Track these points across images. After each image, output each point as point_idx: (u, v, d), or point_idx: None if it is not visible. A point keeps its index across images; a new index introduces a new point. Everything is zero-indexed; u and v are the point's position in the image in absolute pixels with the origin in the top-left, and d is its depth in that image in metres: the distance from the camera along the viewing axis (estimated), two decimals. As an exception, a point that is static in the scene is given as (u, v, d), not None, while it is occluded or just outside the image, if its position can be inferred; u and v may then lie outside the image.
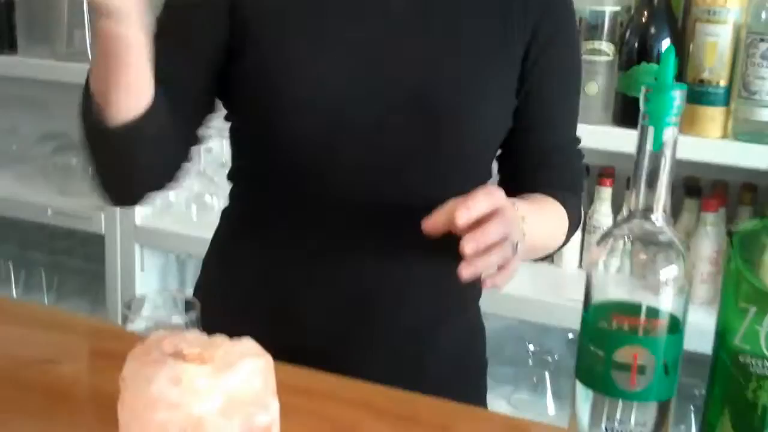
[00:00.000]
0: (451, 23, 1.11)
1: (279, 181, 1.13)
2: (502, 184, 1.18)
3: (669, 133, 0.76)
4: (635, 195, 0.78)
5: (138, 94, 1.02)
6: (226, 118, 1.18)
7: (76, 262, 2.24)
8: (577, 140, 1.23)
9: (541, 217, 1.10)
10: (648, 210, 0.77)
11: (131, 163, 1.08)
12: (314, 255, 1.12)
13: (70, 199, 2.05)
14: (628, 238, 0.78)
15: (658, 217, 0.77)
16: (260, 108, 1.10)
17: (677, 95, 0.75)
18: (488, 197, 0.92)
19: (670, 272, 0.75)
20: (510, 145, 1.17)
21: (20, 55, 2.11)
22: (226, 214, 1.23)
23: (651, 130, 0.77)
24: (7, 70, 2.11)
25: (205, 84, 1.13)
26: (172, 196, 2.03)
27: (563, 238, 1.19)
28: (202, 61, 1.12)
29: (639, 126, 0.77)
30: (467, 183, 1.00)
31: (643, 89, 0.76)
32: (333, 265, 1.11)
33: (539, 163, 1.18)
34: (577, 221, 1.22)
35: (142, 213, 2.01)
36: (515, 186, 1.15)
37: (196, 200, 2.00)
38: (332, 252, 1.11)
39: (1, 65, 2.10)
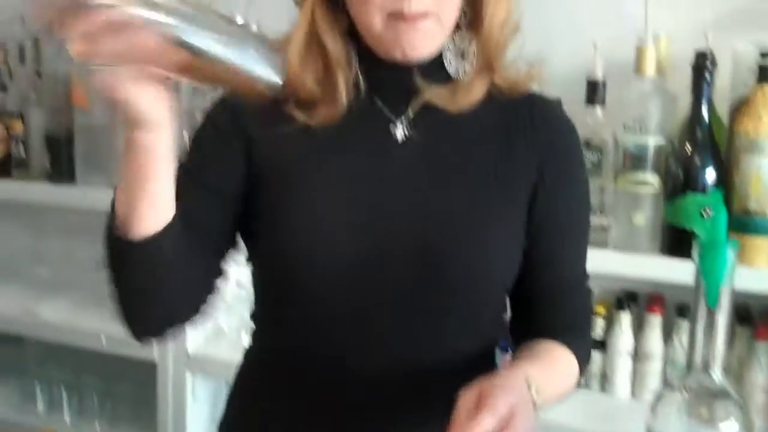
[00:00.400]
0: (457, 169, 1.14)
1: (286, 331, 1.17)
2: (512, 320, 1.22)
3: (724, 291, 0.77)
4: (692, 350, 0.79)
5: (163, 207, 1.02)
6: (248, 260, 1.21)
7: (129, 389, 2.26)
8: (586, 276, 1.24)
9: (550, 376, 1.10)
10: (706, 365, 0.78)
11: (152, 282, 1.07)
12: (327, 406, 1.14)
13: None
14: (687, 393, 0.78)
15: (716, 372, 0.78)
16: (267, 257, 1.15)
17: (731, 253, 0.77)
18: (493, 413, 0.92)
19: (730, 428, 0.76)
20: (516, 283, 1.18)
21: (78, 185, 2.18)
22: (247, 353, 1.26)
23: (705, 287, 0.78)
24: (65, 200, 2.17)
25: (225, 223, 1.17)
26: (224, 323, 2.06)
27: (574, 382, 1.20)
28: (221, 203, 1.16)
29: (694, 280, 0.79)
30: (479, 333, 1.10)
31: (696, 246, 0.78)
32: (348, 419, 1.13)
33: (544, 301, 1.19)
34: (585, 358, 1.22)
35: (193, 340, 2.03)
36: (522, 322, 1.19)
37: (247, 328, 2.03)
38: (343, 408, 1.13)
39: (60, 195, 2.17)
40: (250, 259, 1.20)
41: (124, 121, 0.94)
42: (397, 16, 1.08)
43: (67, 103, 2.12)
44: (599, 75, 1.65)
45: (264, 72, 0.96)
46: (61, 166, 2.17)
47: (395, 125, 1.15)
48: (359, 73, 1.16)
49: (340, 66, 1.14)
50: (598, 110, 1.66)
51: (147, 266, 1.05)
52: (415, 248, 1.10)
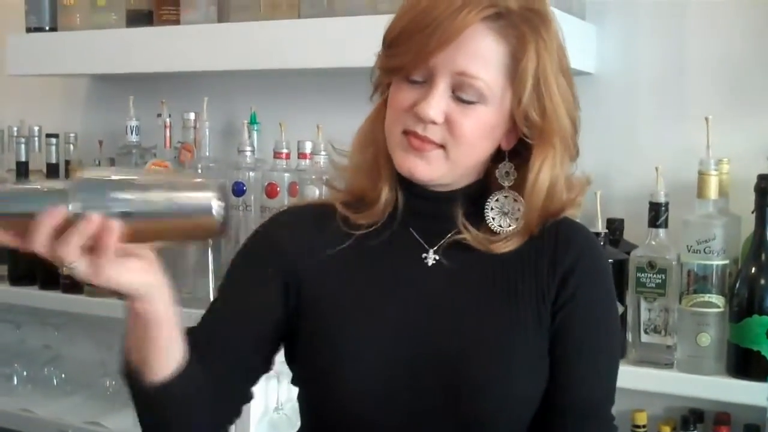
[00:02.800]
0: (484, 295, 1.19)
1: None
2: None
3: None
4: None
5: (168, 360, 1.10)
6: (292, 382, 1.28)
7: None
8: (608, 402, 1.22)
9: None
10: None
11: (162, 419, 1.15)
12: None
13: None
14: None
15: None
16: (308, 381, 1.23)
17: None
18: None
19: None
20: None
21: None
22: None
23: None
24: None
25: (253, 353, 1.24)
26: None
27: None
28: (252, 335, 1.23)
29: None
30: None
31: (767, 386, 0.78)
32: None
33: (559, 426, 1.19)
34: None
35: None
36: None
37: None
38: None
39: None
40: (294, 382, 1.27)
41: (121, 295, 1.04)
42: (410, 136, 1.16)
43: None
44: (662, 197, 1.68)
45: (198, 212, 1.02)
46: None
47: (428, 253, 1.22)
48: (399, 198, 1.23)
49: (386, 170, 1.22)
50: (662, 232, 1.68)
51: (158, 406, 1.13)
52: (444, 372, 1.15)
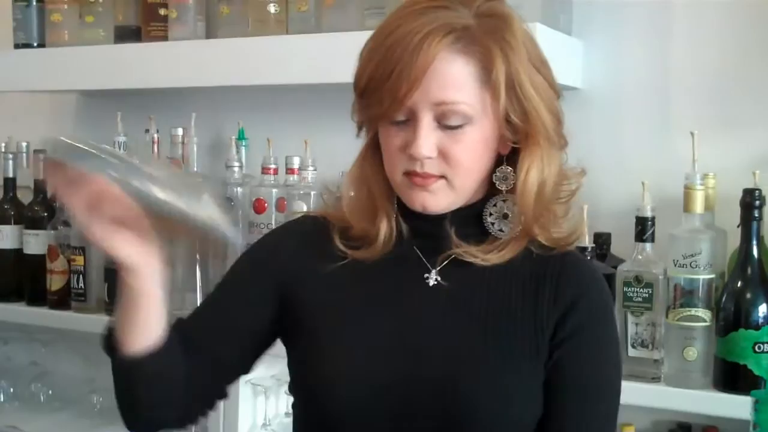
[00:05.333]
0: (483, 318, 1.19)
1: None
2: None
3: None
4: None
5: (147, 334, 1.17)
6: (289, 389, 1.31)
7: None
8: None
9: None
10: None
11: (131, 392, 1.21)
12: None
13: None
14: None
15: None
16: (302, 389, 1.25)
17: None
18: None
19: None
20: None
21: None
22: None
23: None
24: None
25: (233, 349, 1.28)
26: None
27: None
28: (236, 334, 1.28)
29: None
30: None
31: (752, 400, 0.79)
32: None
33: None
34: None
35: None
36: None
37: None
38: None
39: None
40: (291, 389, 1.28)
41: (118, 265, 1.13)
42: (411, 175, 1.17)
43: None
44: (648, 212, 1.68)
45: (216, 226, 1.11)
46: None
47: (429, 273, 1.22)
48: (401, 220, 1.24)
49: (383, 209, 1.23)
50: (648, 246, 1.69)
51: (127, 378, 1.20)
52: (436, 395, 1.15)
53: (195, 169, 2.19)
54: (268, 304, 1.27)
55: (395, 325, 1.20)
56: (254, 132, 2.18)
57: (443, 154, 1.16)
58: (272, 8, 2.01)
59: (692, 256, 1.63)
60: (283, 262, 1.27)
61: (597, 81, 1.90)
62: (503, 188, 1.21)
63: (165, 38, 2.13)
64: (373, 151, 1.24)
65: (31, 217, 2.31)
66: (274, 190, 2.04)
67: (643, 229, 1.69)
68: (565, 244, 1.22)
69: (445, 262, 1.22)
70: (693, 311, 1.64)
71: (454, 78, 1.14)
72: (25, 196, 2.36)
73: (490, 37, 1.14)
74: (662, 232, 1.69)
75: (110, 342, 1.20)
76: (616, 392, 1.23)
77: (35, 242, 2.30)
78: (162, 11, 2.14)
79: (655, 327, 1.67)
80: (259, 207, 2.03)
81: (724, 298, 1.64)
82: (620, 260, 1.75)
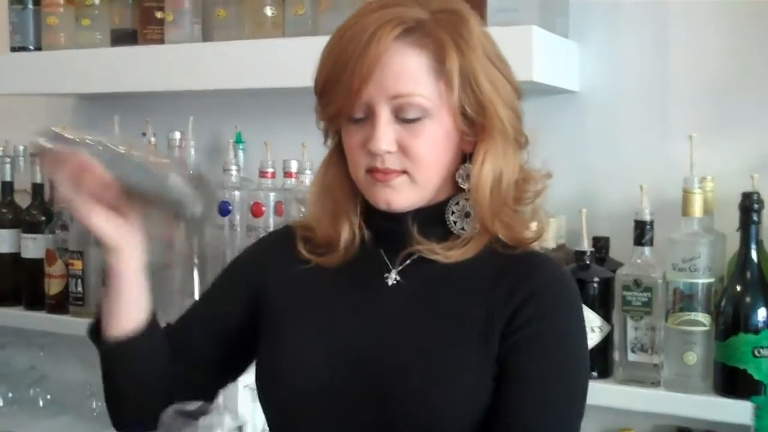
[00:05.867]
0: (435, 316, 1.18)
1: None
2: None
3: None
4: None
5: (127, 318, 1.23)
6: None
7: None
8: None
9: None
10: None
11: (113, 378, 1.27)
12: None
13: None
14: None
15: None
16: (258, 382, 1.26)
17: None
18: None
19: None
20: None
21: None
22: None
23: None
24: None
25: (215, 350, 1.32)
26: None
27: None
28: (215, 332, 1.31)
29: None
30: None
31: (753, 407, 0.78)
32: None
33: None
34: None
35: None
36: None
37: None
38: None
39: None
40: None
41: (99, 244, 1.21)
42: (373, 172, 1.17)
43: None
44: (647, 216, 1.68)
45: (182, 200, 1.19)
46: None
47: (390, 273, 1.23)
48: (363, 222, 1.25)
49: (345, 215, 1.25)
50: (647, 250, 1.68)
51: (110, 362, 1.26)
52: (380, 387, 1.16)
53: (191, 172, 2.18)
54: (244, 311, 1.31)
55: (349, 325, 1.21)
56: (252, 135, 2.18)
57: (403, 149, 1.16)
58: (269, 11, 2.00)
59: (691, 260, 1.62)
60: (256, 272, 1.31)
61: (594, 84, 1.90)
62: (466, 186, 1.21)
63: (161, 41, 2.13)
64: (338, 156, 1.25)
65: (29, 221, 2.31)
66: (272, 194, 2.03)
67: (641, 232, 1.68)
68: (527, 243, 1.21)
69: (408, 262, 1.22)
70: (692, 315, 1.63)
71: (408, 70, 1.14)
72: (23, 200, 2.36)
73: (443, 30, 1.15)
74: (661, 236, 1.68)
75: (96, 330, 1.27)
76: (573, 392, 1.19)
77: (33, 246, 2.30)
78: (158, 14, 2.14)
79: (655, 331, 1.66)
80: (256, 211, 2.02)
81: (723, 302, 1.63)
82: (619, 264, 1.74)
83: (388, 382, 1.15)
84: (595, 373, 1.69)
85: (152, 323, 1.26)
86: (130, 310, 1.23)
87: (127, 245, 1.21)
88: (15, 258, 2.33)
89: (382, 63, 1.13)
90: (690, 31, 1.83)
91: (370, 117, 1.16)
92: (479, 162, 1.18)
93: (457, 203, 1.22)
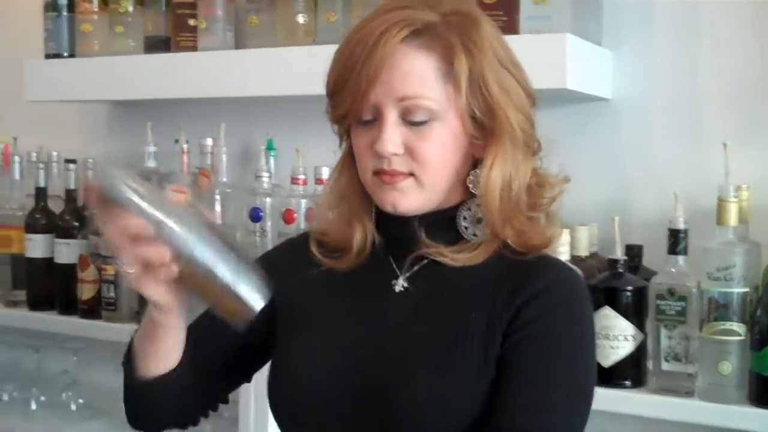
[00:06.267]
0: (439, 321, 1.17)
1: None
2: None
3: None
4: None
5: (163, 363, 1.22)
6: None
7: None
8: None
9: None
10: None
11: (139, 407, 1.28)
12: None
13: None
14: None
15: None
16: (268, 394, 1.26)
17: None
18: None
19: None
20: None
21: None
22: None
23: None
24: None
25: (226, 355, 1.31)
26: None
27: None
28: (228, 338, 1.27)
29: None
30: None
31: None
32: None
33: None
34: None
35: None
36: None
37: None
38: None
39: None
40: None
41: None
42: (380, 174, 1.17)
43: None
44: (681, 224, 1.66)
45: (247, 296, 1.11)
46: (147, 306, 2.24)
47: (397, 280, 1.23)
48: (376, 228, 1.24)
49: (359, 218, 1.24)
50: (681, 259, 1.67)
51: (138, 397, 1.26)
52: (368, 389, 1.16)
53: (224, 179, 2.19)
54: (259, 317, 1.24)
55: (355, 333, 1.21)
56: (283, 142, 2.19)
57: (410, 151, 1.16)
58: (301, 19, 2.01)
59: (726, 269, 1.61)
60: (271, 278, 1.26)
61: (627, 91, 1.89)
62: (477, 192, 1.19)
63: (194, 48, 2.15)
64: (350, 160, 1.25)
65: (62, 227, 2.33)
66: (303, 201, 2.04)
67: (675, 241, 1.67)
68: (537, 250, 1.20)
69: (415, 268, 1.22)
70: (727, 325, 1.62)
71: (415, 72, 1.14)
72: (56, 205, 2.38)
73: (453, 33, 1.15)
74: (695, 245, 1.67)
75: (129, 356, 1.26)
76: (572, 390, 1.15)
77: (66, 251, 2.31)
78: (191, 22, 2.15)
79: (689, 341, 1.65)
80: (288, 217, 2.03)
81: (758, 312, 1.61)
82: (652, 272, 1.73)
83: (392, 389, 1.15)
84: (628, 382, 1.68)
85: (182, 361, 1.24)
86: (167, 356, 1.22)
87: (173, 304, 1.14)
88: (48, 263, 2.35)
89: (390, 65, 1.13)
90: (723, 38, 1.82)
91: (377, 119, 1.16)
92: (488, 166, 1.17)
93: (469, 209, 1.21)
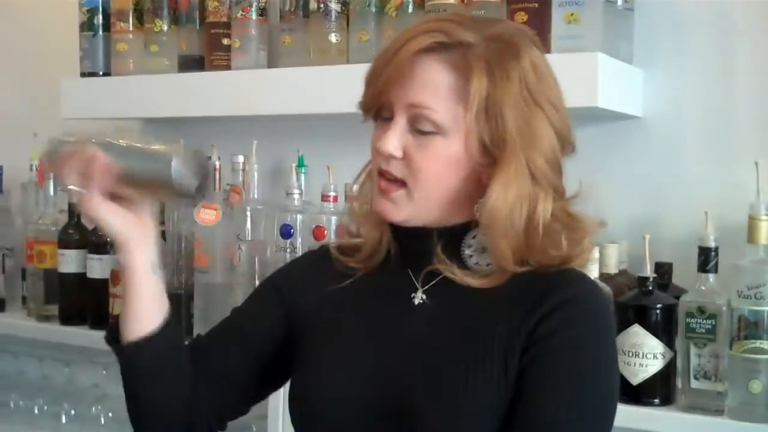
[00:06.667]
0: (456, 336, 1.17)
1: None
2: None
3: None
4: None
5: (141, 318, 1.21)
6: None
7: None
8: None
9: None
10: None
11: (133, 385, 1.26)
12: None
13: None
14: None
15: None
16: (290, 411, 1.26)
17: None
18: None
19: None
20: None
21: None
22: None
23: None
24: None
25: (242, 370, 1.31)
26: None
27: None
28: (245, 353, 1.30)
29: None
30: None
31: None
32: None
33: None
34: None
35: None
36: None
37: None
38: None
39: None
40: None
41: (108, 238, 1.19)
42: (380, 177, 1.19)
43: (189, 263, 2.23)
44: (711, 242, 1.67)
45: (180, 174, 1.18)
46: (181, 320, 2.26)
47: (416, 293, 1.23)
48: (393, 238, 1.26)
49: (384, 225, 1.25)
50: (711, 277, 1.67)
51: (128, 368, 1.25)
52: (391, 405, 1.16)
53: (255, 196, 2.21)
54: (278, 328, 1.31)
55: (374, 346, 1.22)
56: (314, 159, 2.20)
57: (407, 158, 1.17)
58: (333, 38, 2.03)
59: (757, 287, 1.61)
60: (290, 291, 1.32)
61: (658, 110, 1.90)
62: (480, 220, 1.17)
63: (228, 67, 2.17)
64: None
65: (95, 242, 2.35)
66: (334, 218, 2.06)
67: (706, 259, 1.67)
68: (560, 264, 1.18)
69: (434, 281, 1.22)
70: (758, 343, 1.61)
71: (429, 84, 1.15)
72: (89, 221, 2.40)
73: (482, 56, 1.14)
74: (725, 263, 1.67)
75: (111, 332, 1.27)
76: (592, 405, 1.15)
77: (99, 266, 2.34)
78: (225, 41, 2.18)
79: (719, 359, 1.65)
80: (318, 234, 2.05)
81: (789, 331, 1.61)
82: (682, 290, 1.73)
83: (409, 404, 1.15)
84: (657, 400, 1.68)
85: (170, 325, 1.24)
86: (147, 310, 1.22)
87: (138, 240, 1.20)
88: (81, 278, 2.38)
89: (410, 71, 1.15)
90: (754, 56, 1.83)
91: (392, 119, 1.19)
92: (490, 197, 1.14)
93: (474, 237, 1.21)
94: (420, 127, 1.16)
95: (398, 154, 1.17)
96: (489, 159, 1.16)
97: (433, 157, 1.16)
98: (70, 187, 1.20)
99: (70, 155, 1.20)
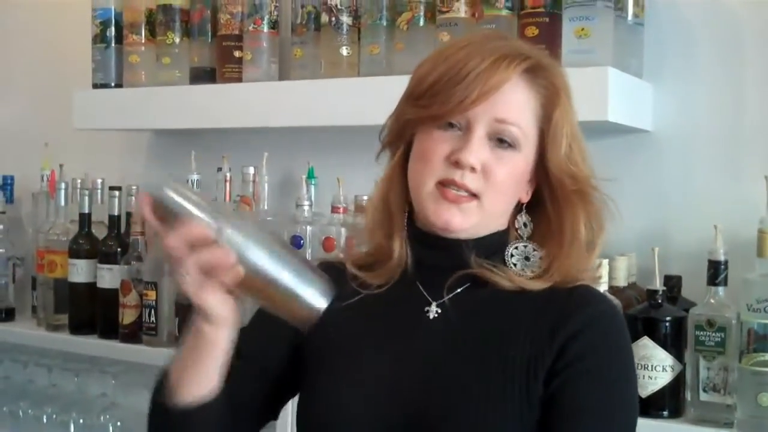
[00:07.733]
0: (475, 352, 1.17)
1: None
2: None
3: None
4: None
5: (206, 385, 1.15)
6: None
7: None
8: None
9: None
10: None
11: None
12: None
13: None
14: None
15: None
16: (300, 424, 1.25)
17: None
18: None
19: None
20: None
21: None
22: None
23: None
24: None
25: (257, 394, 1.28)
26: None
27: None
28: (256, 373, 1.27)
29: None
30: None
31: None
32: None
33: None
34: None
35: None
36: None
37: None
38: None
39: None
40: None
41: (198, 313, 1.10)
42: (444, 186, 1.17)
43: (197, 273, 2.23)
44: (721, 256, 1.67)
45: (311, 298, 1.12)
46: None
47: (430, 306, 1.23)
48: (408, 249, 1.25)
49: (398, 233, 1.25)
50: (721, 290, 1.67)
51: (172, 425, 1.18)
52: (407, 423, 1.15)
53: (265, 207, 2.22)
54: (286, 345, 1.28)
55: (388, 362, 1.21)
56: (324, 171, 2.22)
57: (485, 171, 1.18)
58: (344, 51, 2.05)
59: (766, 300, 1.61)
60: None
61: (668, 124, 1.91)
62: (525, 235, 1.25)
63: (239, 80, 2.19)
64: (399, 170, 1.26)
65: (105, 252, 2.36)
66: (343, 229, 2.07)
67: (715, 272, 1.67)
68: (574, 279, 1.21)
69: (449, 295, 1.22)
70: (767, 356, 1.62)
71: (519, 103, 1.19)
72: (100, 232, 2.42)
73: (563, 88, 1.22)
74: (735, 276, 1.67)
75: (161, 385, 1.19)
76: (624, 424, 1.18)
77: (109, 276, 2.35)
78: (237, 53, 2.20)
79: (728, 372, 1.65)
80: (328, 246, 2.06)
81: (798, 345, 1.62)
82: (692, 303, 1.74)
83: (433, 424, 1.15)
84: (666, 413, 1.69)
85: (219, 400, 1.18)
86: (209, 378, 1.15)
87: (230, 320, 1.12)
88: (91, 288, 2.39)
89: (503, 89, 1.16)
90: (764, 70, 1.84)
91: (463, 130, 1.18)
92: (570, 222, 1.22)
93: (516, 247, 1.24)
94: (502, 138, 1.19)
95: (479, 167, 1.18)
96: (559, 183, 1.22)
97: (511, 171, 1.20)
98: (185, 276, 1.08)
99: (192, 232, 1.07)
